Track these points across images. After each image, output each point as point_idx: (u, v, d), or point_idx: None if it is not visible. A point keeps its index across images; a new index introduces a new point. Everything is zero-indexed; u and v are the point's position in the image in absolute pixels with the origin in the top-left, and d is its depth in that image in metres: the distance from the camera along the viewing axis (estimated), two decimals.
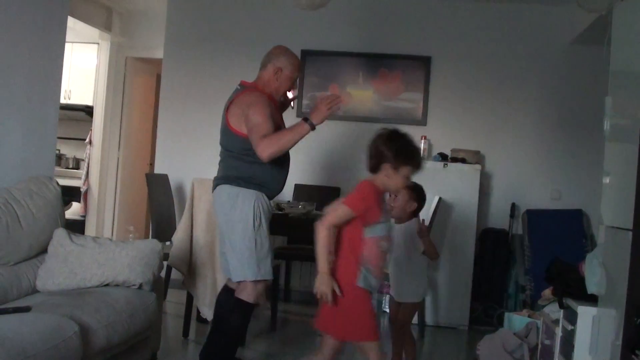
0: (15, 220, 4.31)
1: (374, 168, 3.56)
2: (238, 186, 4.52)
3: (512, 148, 7.57)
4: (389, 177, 3.54)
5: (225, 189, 4.56)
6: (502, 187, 7.53)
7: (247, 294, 4.53)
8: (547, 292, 5.06)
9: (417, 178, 6.87)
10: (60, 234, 4.56)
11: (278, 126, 4.52)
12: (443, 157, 7.07)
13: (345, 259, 3.55)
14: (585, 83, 7.37)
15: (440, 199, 6.65)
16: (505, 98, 7.58)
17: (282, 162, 4.59)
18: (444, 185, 6.87)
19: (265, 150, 4.34)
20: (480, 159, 7.29)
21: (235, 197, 4.51)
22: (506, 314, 6.50)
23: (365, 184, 3.56)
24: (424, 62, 7.63)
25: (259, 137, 4.35)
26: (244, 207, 4.50)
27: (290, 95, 4.82)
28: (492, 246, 7.27)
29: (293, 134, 4.39)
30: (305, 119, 4.39)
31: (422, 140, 7.28)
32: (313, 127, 4.39)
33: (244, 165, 4.54)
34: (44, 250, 4.54)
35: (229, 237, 4.55)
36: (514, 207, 7.44)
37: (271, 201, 4.64)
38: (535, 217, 7.29)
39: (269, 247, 4.56)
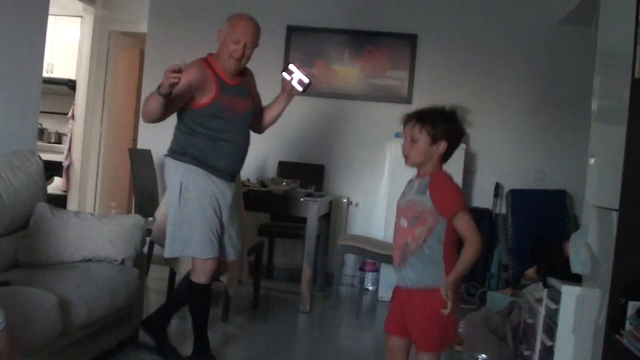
0: None
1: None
2: (172, 158, 4.47)
3: (497, 128, 7.57)
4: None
5: (166, 161, 4.54)
6: (486, 166, 7.53)
7: (195, 275, 4.46)
8: (531, 272, 5.06)
9: (398, 158, 6.91)
10: (42, 208, 4.52)
11: (206, 101, 4.37)
12: None
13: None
14: (572, 64, 7.35)
15: None
16: (491, 77, 7.56)
17: (220, 138, 4.41)
18: None
19: (142, 112, 4.37)
20: (465, 138, 7.27)
21: (168, 168, 4.49)
22: (489, 293, 6.52)
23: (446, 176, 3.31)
24: (410, 40, 7.59)
25: None
26: (172, 180, 4.44)
27: (305, 80, 4.51)
28: (477, 225, 7.24)
29: (151, 99, 4.15)
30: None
31: None
32: (161, 95, 4.05)
33: (180, 137, 4.49)
34: (25, 225, 4.49)
35: (168, 211, 4.54)
36: (497, 186, 7.45)
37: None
38: (519, 197, 7.29)
39: (205, 225, 4.36)
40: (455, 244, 3.27)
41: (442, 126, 3.26)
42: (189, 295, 4.58)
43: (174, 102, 4.24)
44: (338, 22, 7.67)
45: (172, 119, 4.50)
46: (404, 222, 3.29)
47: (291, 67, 4.51)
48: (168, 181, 4.48)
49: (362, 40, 7.66)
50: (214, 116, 4.38)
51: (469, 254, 3.17)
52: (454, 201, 3.21)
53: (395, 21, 7.65)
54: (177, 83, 3.98)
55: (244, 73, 4.61)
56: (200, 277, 4.45)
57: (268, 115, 4.78)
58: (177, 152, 4.45)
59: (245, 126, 4.56)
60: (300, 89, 4.51)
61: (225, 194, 4.45)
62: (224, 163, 4.43)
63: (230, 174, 4.49)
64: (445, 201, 3.20)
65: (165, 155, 4.52)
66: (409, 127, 3.31)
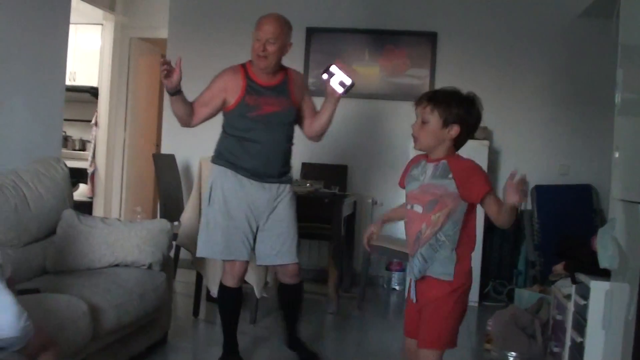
0: (23, 202, 4.30)
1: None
2: (210, 161, 4.59)
3: (520, 124, 7.53)
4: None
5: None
6: (510, 163, 7.48)
7: (223, 277, 4.56)
8: (559, 268, 5.04)
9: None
10: (68, 215, 4.55)
11: (234, 101, 4.48)
12: None
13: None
14: (593, 57, 7.31)
15: None
16: (513, 73, 7.53)
17: (247, 138, 4.44)
18: None
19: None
20: (488, 134, 7.24)
21: (210, 171, 4.61)
22: (516, 290, 6.49)
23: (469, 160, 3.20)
24: (430, 38, 7.58)
25: None
26: (208, 182, 4.58)
27: (347, 81, 4.31)
28: None
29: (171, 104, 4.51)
30: None
31: None
32: (169, 94, 4.42)
33: (218, 140, 4.61)
34: (52, 232, 4.53)
35: None
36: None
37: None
38: (544, 193, 7.25)
39: (231, 227, 4.42)
40: (472, 235, 3.16)
41: (456, 109, 3.12)
42: (218, 297, 4.64)
43: (205, 105, 4.51)
44: (357, 22, 7.67)
45: (206, 125, 4.58)
46: (418, 208, 3.15)
47: (333, 68, 4.33)
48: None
49: (381, 40, 7.66)
50: (240, 116, 4.44)
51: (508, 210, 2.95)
52: (483, 183, 3.05)
53: (415, 19, 7.64)
54: (170, 76, 4.27)
55: (285, 73, 4.59)
56: (228, 280, 4.50)
57: (317, 122, 4.69)
58: (214, 155, 4.57)
59: (277, 126, 4.49)
60: (340, 90, 4.34)
61: (257, 195, 4.46)
62: (251, 163, 4.43)
63: (259, 174, 4.46)
64: (474, 184, 3.05)
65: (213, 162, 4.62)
66: (420, 108, 3.17)
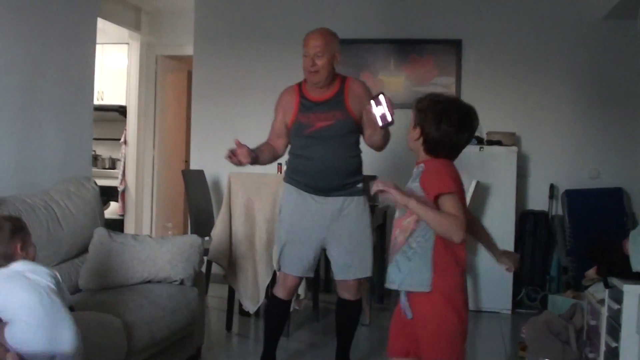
0: (55, 221, 4.35)
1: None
2: (283, 180, 4.67)
3: (548, 128, 7.49)
4: None
5: None
6: (539, 168, 7.45)
7: (275, 288, 4.63)
8: (591, 272, 5.00)
9: (458, 161, 6.86)
10: (100, 233, 4.59)
11: (289, 121, 4.54)
12: (478, 140, 7.00)
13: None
14: (619, 59, 7.27)
15: (477, 182, 6.59)
16: (539, 77, 7.49)
17: (304, 155, 4.47)
18: (480, 169, 6.81)
19: None
20: (516, 140, 7.21)
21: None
22: (550, 296, 6.45)
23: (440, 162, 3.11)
24: (454, 46, 7.57)
25: None
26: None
27: (388, 117, 3.88)
28: (532, 228, 7.19)
29: None
30: None
31: None
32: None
33: (288, 157, 4.65)
34: (85, 250, 4.58)
35: None
36: (552, 187, 7.36)
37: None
38: (575, 197, 7.20)
39: (289, 240, 4.46)
40: (452, 245, 2.96)
41: (422, 112, 3.07)
42: (266, 306, 4.73)
43: (279, 136, 4.61)
44: (381, 32, 7.68)
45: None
46: (397, 214, 3.12)
47: (380, 97, 3.95)
48: None
49: (406, 49, 7.66)
50: (296, 135, 4.50)
51: (442, 216, 2.90)
52: (441, 183, 2.96)
53: (439, 27, 7.63)
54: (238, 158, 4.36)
55: (342, 84, 4.52)
56: (279, 291, 4.55)
57: (373, 139, 4.54)
58: (285, 173, 4.67)
59: (331, 140, 4.42)
60: (380, 123, 3.94)
61: (320, 211, 4.44)
62: (310, 179, 4.43)
63: (321, 189, 4.42)
64: (431, 184, 2.98)
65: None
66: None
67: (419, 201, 2.94)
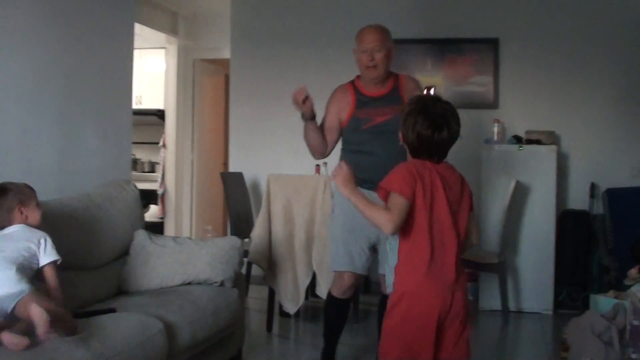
0: (96, 224, 4.38)
1: None
2: None
3: (588, 127, 7.41)
4: None
5: None
6: (579, 167, 7.38)
7: (332, 287, 4.60)
8: (633, 272, 4.94)
9: (494, 163, 6.78)
10: (141, 235, 4.62)
11: (347, 116, 4.49)
12: (517, 139, 6.96)
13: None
14: None
15: (517, 182, 6.55)
16: (578, 75, 7.41)
17: (361, 150, 4.43)
18: (520, 168, 6.76)
19: None
20: (556, 139, 7.15)
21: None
22: (592, 297, 6.36)
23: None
24: (491, 45, 7.52)
25: None
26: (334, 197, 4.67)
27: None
28: (573, 228, 7.11)
29: (304, 133, 4.54)
30: None
31: (495, 124, 7.15)
32: (304, 120, 4.45)
33: (341, 154, 4.58)
34: (125, 252, 4.60)
35: None
36: (593, 186, 7.28)
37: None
38: (616, 196, 7.12)
39: (345, 238, 4.41)
40: (413, 251, 3.00)
41: (401, 117, 3.18)
42: (325, 307, 4.69)
43: (330, 131, 4.54)
44: (418, 32, 7.65)
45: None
46: None
47: (432, 91, 3.98)
48: None
49: (443, 48, 7.63)
50: (353, 130, 4.46)
51: (372, 209, 3.04)
52: (388, 180, 3.07)
53: (475, 26, 7.59)
54: (305, 101, 4.29)
55: (396, 80, 4.55)
56: (335, 290, 4.53)
57: None
58: None
59: (391, 135, 4.15)
60: None
61: None
62: (368, 175, 4.23)
63: (376, 184, 4.37)
64: (383, 180, 3.11)
65: None
66: None
67: (357, 194, 3.09)
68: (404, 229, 2.99)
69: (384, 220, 2.96)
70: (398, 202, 2.97)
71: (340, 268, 4.46)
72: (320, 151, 4.60)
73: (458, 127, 3.15)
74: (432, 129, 3.06)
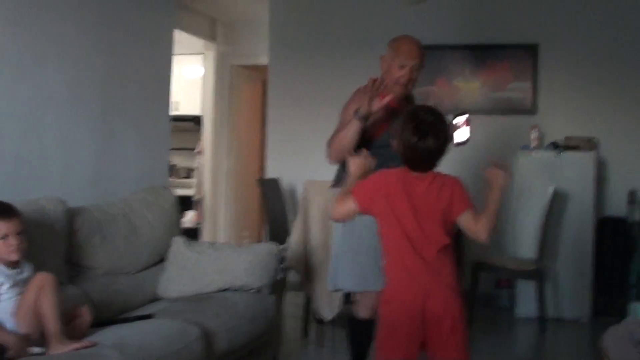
0: (134, 230, 4.42)
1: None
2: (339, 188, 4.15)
3: (628, 133, 7.32)
4: None
5: (334, 192, 4.09)
6: (618, 173, 7.29)
7: (357, 309, 4.20)
8: None
9: (531, 169, 6.73)
10: (178, 241, 4.65)
11: (378, 129, 4.09)
12: (555, 146, 6.91)
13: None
14: None
15: (554, 189, 6.49)
16: (618, 82, 7.32)
17: (389, 166, 3.82)
18: (557, 175, 6.71)
19: (327, 150, 4.14)
20: (595, 145, 7.08)
21: None
22: (631, 304, 6.31)
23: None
24: (531, 50, 7.47)
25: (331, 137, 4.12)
26: None
27: (464, 136, 3.94)
28: (611, 235, 7.04)
29: (345, 131, 4.01)
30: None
31: (533, 130, 7.10)
32: (361, 119, 3.95)
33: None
34: (163, 258, 4.63)
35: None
36: (632, 193, 7.20)
37: None
38: None
39: (370, 256, 3.97)
40: (386, 250, 3.22)
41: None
42: (350, 331, 4.32)
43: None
44: (457, 37, 7.62)
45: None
46: None
47: (462, 118, 3.90)
48: None
49: (481, 54, 7.59)
50: (383, 146, 3.95)
51: (339, 199, 3.30)
52: (356, 185, 3.28)
53: (515, 32, 7.54)
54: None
55: (407, 97, 4.27)
56: (362, 311, 4.15)
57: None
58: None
59: None
60: (455, 141, 3.87)
61: None
62: None
63: None
64: None
65: (333, 186, 4.29)
66: None
67: (352, 184, 3.28)
68: (381, 237, 3.21)
69: (333, 209, 3.34)
70: (349, 204, 3.23)
71: (370, 287, 4.01)
72: (343, 154, 3.92)
73: (445, 138, 3.18)
74: (418, 136, 3.09)
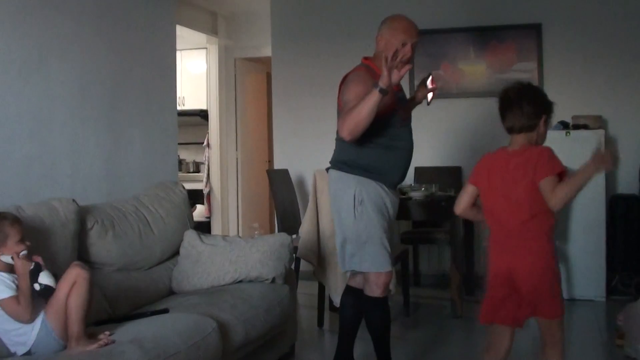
0: (146, 226, 4.43)
1: (533, 125, 3.43)
2: (340, 170, 4.19)
3: (636, 110, 7.29)
4: (542, 128, 3.49)
5: (331, 174, 4.27)
6: (628, 150, 7.25)
7: (369, 289, 4.22)
8: None
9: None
10: (190, 235, 4.66)
11: (386, 108, 4.01)
12: (564, 125, 6.87)
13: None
14: None
15: (565, 168, 6.46)
16: (624, 58, 7.28)
17: (394, 146, 4.15)
18: (567, 153, 6.63)
19: (342, 127, 3.94)
20: (603, 123, 7.05)
21: (337, 182, 4.21)
22: None
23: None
24: (534, 30, 7.44)
25: (341, 116, 4.03)
26: (342, 193, 4.15)
27: (428, 84, 4.32)
28: (624, 212, 7.00)
29: (364, 103, 3.83)
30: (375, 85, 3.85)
31: None
32: (382, 91, 3.80)
33: (348, 148, 4.13)
34: (176, 253, 4.65)
35: (337, 225, 4.29)
36: None
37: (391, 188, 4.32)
38: None
39: (382, 237, 4.11)
40: (487, 222, 3.51)
41: None
42: (366, 313, 4.35)
43: None
44: (459, 20, 7.60)
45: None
46: None
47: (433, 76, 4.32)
48: (337, 193, 4.21)
49: (485, 36, 7.56)
50: (391, 125, 4.11)
51: None
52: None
53: (517, 12, 7.50)
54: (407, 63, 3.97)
55: None
56: (375, 291, 4.20)
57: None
58: (345, 164, 4.17)
59: (411, 132, 4.30)
60: (429, 98, 4.42)
61: (394, 203, 4.25)
62: (395, 171, 4.18)
63: (398, 182, 4.29)
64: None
65: (330, 168, 4.29)
66: None
67: None
68: (483, 208, 3.51)
69: (456, 203, 3.62)
70: (466, 188, 3.59)
71: (383, 268, 4.15)
72: (360, 131, 3.93)
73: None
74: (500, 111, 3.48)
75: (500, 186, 3.37)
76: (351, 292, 4.41)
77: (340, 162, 4.22)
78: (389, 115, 4.09)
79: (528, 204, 3.29)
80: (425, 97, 4.43)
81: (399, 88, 4.28)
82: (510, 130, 3.44)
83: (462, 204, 3.55)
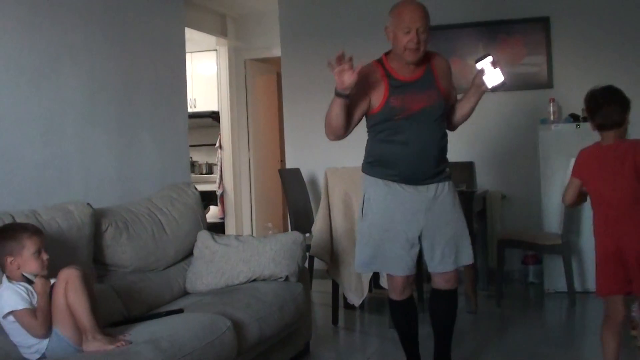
0: (160, 228, 4.46)
1: (622, 121, 3.91)
2: (362, 171, 4.18)
3: None
4: (626, 124, 3.98)
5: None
6: None
7: (389, 291, 4.21)
8: None
9: (552, 142, 6.71)
10: (204, 236, 4.69)
11: (372, 102, 3.98)
12: (574, 118, 6.86)
13: None
14: None
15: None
16: (633, 50, 7.26)
17: (394, 140, 4.00)
18: (578, 146, 6.63)
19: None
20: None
21: (362, 183, 4.19)
22: None
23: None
24: (542, 23, 7.43)
25: None
26: (362, 194, 4.16)
27: (499, 78, 4.02)
28: None
29: (330, 105, 3.92)
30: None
31: (551, 103, 7.07)
32: (337, 94, 3.85)
33: (369, 145, 4.15)
34: (189, 253, 4.68)
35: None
36: None
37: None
38: None
39: (388, 238, 4.01)
40: (593, 211, 3.92)
41: None
42: (391, 314, 4.44)
43: (354, 110, 4.00)
44: (467, 16, 7.58)
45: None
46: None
47: (488, 59, 4.01)
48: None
49: (494, 30, 7.54)
50: (385, 120, 3.99)
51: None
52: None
53: (525, 6, 7.48)
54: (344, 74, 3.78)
55: (428, 61, 4.10)
56: (392, 294, 4.18)
57: (458, 113, 4.27)
58: (364, 162, 4.17)
59: (427, 123, 4.01)
60: (489, 86, 4.01)
61: (412, 202, 4.01)
62: (402, 167, 3.99)
63: (412, 178, 4.02)
64: None
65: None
66: None
67: None
68: (590, 195, 3.92)
69: (563, 197, 4.15)
70: (571, 181, 4.01)
71: (393, 272, 4.10)
72: (338, 133, 4.01)
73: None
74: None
75: (605, 175, 3.80)
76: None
77: (363, 162, 4.20)
78: (383, 112, 4.01)
79: (632, 190, 3.72)
80: (482, 81, 4.08)
81: (421, 74, 4.07)
82: (602, 128, 3.89)
83: (570, 196, 3.99)
